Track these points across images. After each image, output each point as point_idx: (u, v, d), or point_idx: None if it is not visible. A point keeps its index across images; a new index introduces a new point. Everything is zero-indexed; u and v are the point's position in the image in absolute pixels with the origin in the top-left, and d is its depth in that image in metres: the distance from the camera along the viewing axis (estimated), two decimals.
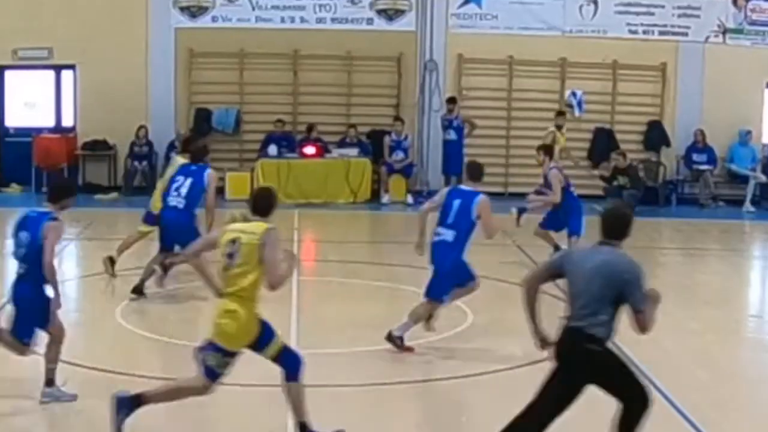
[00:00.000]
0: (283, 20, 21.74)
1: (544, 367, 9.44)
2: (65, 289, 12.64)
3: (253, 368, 8.79)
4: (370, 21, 21.89)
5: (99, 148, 21.54)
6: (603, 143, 21.86)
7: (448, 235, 9.73)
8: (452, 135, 21.24)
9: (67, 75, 21.84)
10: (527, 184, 17.97)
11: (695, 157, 21.86)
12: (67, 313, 11.67)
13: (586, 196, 20.71)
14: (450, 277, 9.81)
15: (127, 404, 7.24)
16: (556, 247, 14.61)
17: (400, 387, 8.65)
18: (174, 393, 7.44)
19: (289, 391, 7.22)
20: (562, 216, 14.23)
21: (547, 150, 14.49)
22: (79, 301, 12.51)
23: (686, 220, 20.20)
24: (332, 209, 20.17)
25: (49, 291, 8.02)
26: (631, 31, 22.02)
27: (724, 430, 7.93)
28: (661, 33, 22.06)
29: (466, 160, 21.20)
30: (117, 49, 21.02)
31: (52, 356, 8.19)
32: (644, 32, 22.05)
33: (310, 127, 21.34)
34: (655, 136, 22.07)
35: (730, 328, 11.51)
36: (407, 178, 21.26)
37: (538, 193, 15.02)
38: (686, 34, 22.06)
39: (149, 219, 13.09)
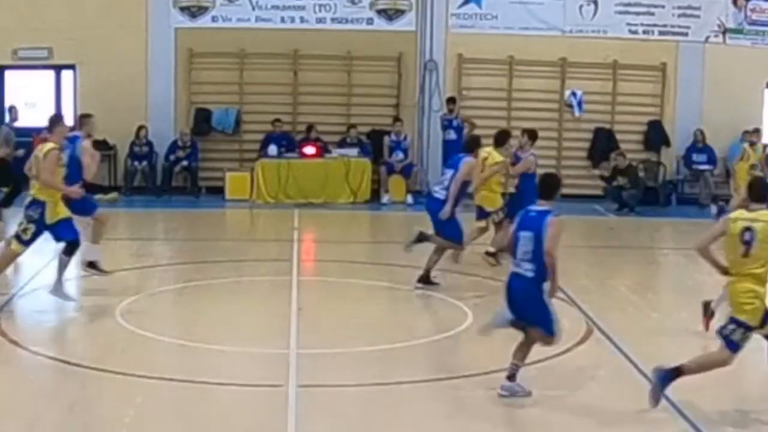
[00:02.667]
0: (283, 20, 21.73)
1: (545, 367, 9.46)
2: (64, 288, 12.60)
3: (253, 368, 8.81)
4: (370, 21, 21.87)
5: (99, 148, 21.34)
6: (603, 143, 21.85)
7: None
8: (452, 135, 21.20)
9: (67, 75, 21.80)
10: None
11: (695, 157, 21.84)
12: (66, 313, 11.73)
13: (586, 196, 20.83)
14: None
15: (667, 376, 7.96)
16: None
17: (400, 387, 8.64)
18: (702, 366, 8.13)
19: None
20: (518, 202, 13.99)
21: (531, 134, 14.71)
22: (78, 300, 12.49)
23: (686, 220, 20.15)
24: (332, 209, 20.16)
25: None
26: (631, 31, 21.99)
27: (724, 431, 7.92)
28: (661, 33, 22.04)
29: None
30: (117, 49, 20.99)
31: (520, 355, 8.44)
32: (644, 32, 22.03)
33: (310, 127, 21.34)
34: (655, 136, 22.05)
35: None
36: (407, 179, 21.23)
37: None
38: (686, 34, 22.04)
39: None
